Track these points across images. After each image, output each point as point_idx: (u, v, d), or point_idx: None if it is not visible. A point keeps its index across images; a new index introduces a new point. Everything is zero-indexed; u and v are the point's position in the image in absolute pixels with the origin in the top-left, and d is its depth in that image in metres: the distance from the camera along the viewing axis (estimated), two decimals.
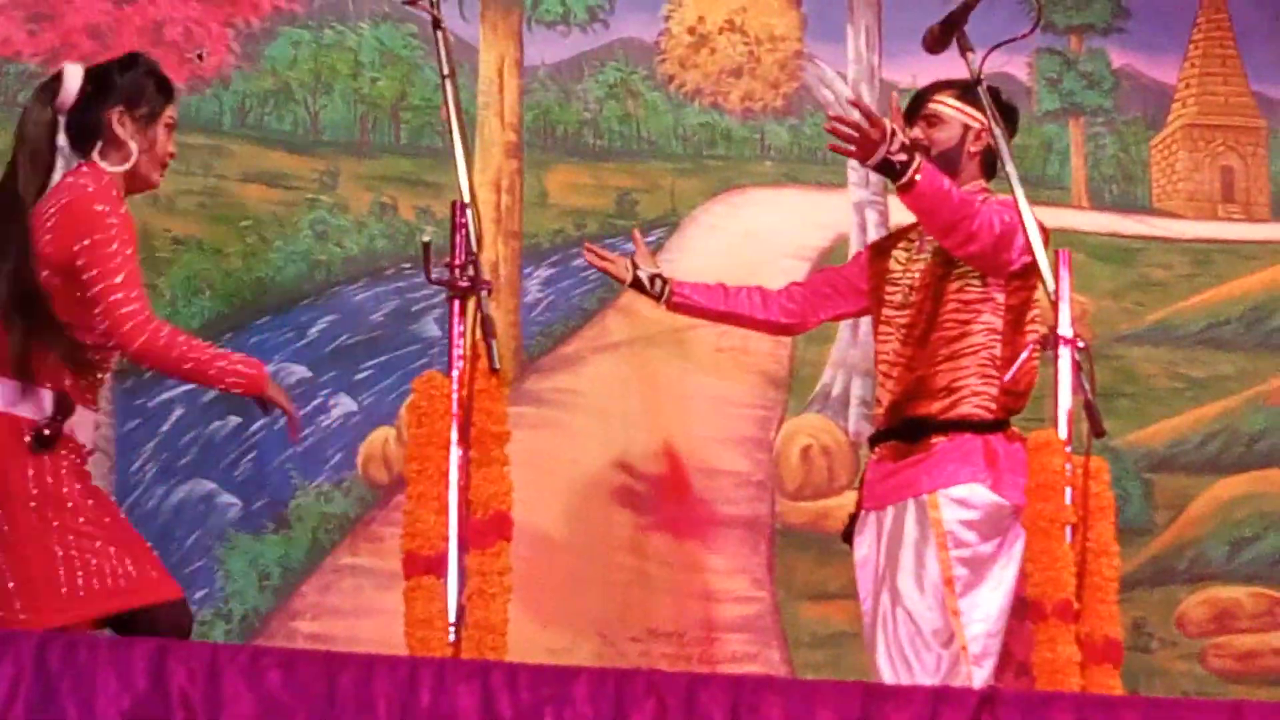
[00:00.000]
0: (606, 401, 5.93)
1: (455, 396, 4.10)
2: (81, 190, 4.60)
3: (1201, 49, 6.88)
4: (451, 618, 4.02)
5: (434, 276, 4.22)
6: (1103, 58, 6.77)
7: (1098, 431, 4.56)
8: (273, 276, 5.95)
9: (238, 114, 6.01)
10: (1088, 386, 4.58)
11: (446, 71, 4.39)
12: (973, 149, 5.15)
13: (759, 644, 6.11)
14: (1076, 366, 4.58)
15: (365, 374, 5.91)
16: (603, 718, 3.55)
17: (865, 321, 6.37)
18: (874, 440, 5.16)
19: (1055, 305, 4.60)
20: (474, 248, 4.16)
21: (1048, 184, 6.62)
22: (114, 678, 3.35)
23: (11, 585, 4.43)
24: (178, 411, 5.80)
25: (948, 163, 5.09)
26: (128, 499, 5.68)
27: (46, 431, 4.51)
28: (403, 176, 5.84)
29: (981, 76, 4.85)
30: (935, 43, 4.92)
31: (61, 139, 4.76)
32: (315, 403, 5.87)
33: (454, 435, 4.09)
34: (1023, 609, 4.74)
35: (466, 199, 4.22)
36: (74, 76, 4.76)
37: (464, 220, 4.19)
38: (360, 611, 5.78)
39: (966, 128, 5.14)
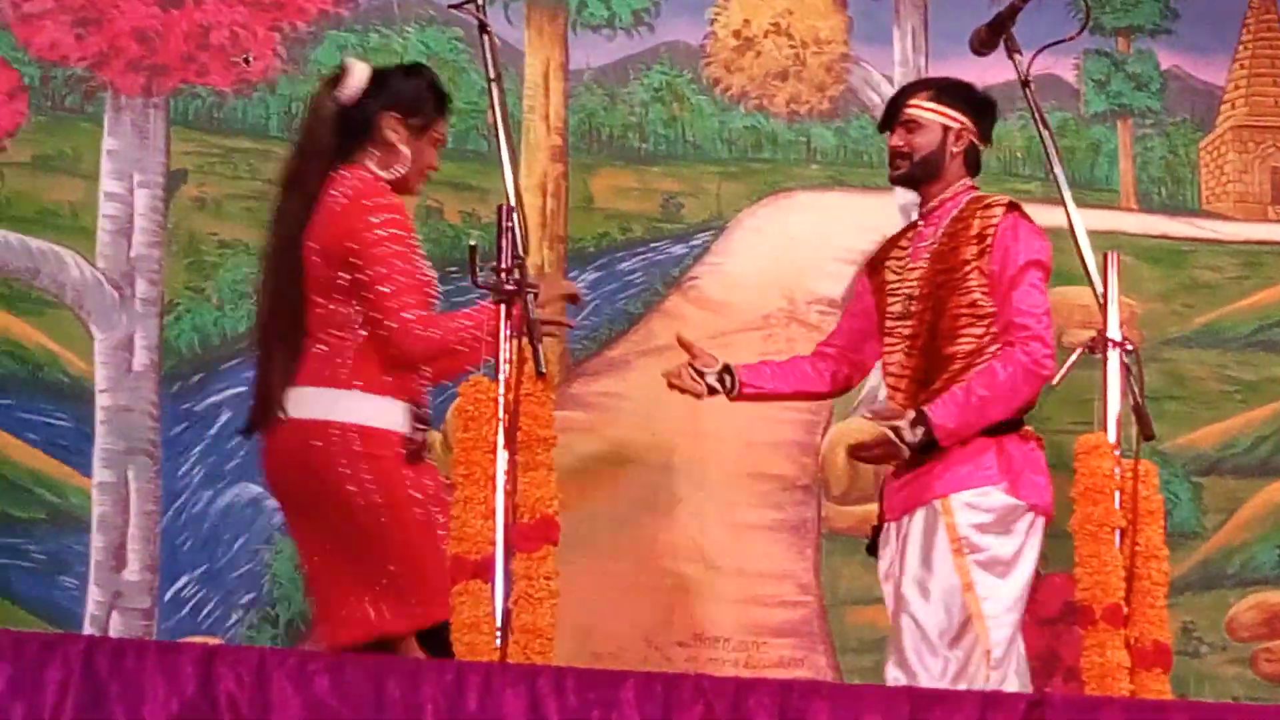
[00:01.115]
0: (651, 406, 5.92)
1: (501, 401, 4.09)
2: (356, 189, 4.61)
3: (1250, 50, 6.84)
4: (498, 622, 4.01)
5: (480, 280, 4.21)
6: (1151, 59, 6.73)
7: (1147, 435, 4.54)
8: None
9: (284, 118, 6.02)
10: (1136, 389, 4.56)
11: (493, 75, 4.38)
12: (955, 149, 5.12)
13: (805, 649, 6.09)
14: (1125, 370, 4.57)
15: None
16: None
17: None
18: None
19: (1104, 308, 4.58)
20: (520, 251, 4.16)
21: (1096, 186, 6.59)
22: (162, 682, 3.36)
23: (404, 586, 4.48)
24: (225, 415, 5.81)
25: (931, 166, 5.10)
26: (175, 503, 5.71)
27: (418, 444, 4.61)
28: (448, 180, 5.83)
29: (1029, 78, 4.83)
30: (982, 44, 4.91)
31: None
32: None
33: (500, 439, 4.08)
34: (1071, 613, 4.72)
35: (512, 203, 4.22)
36: (359, 71, 4.79)
37: (510, 224, 4.18)
38: None
39: (946, 129, 5.12)
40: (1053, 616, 6.26)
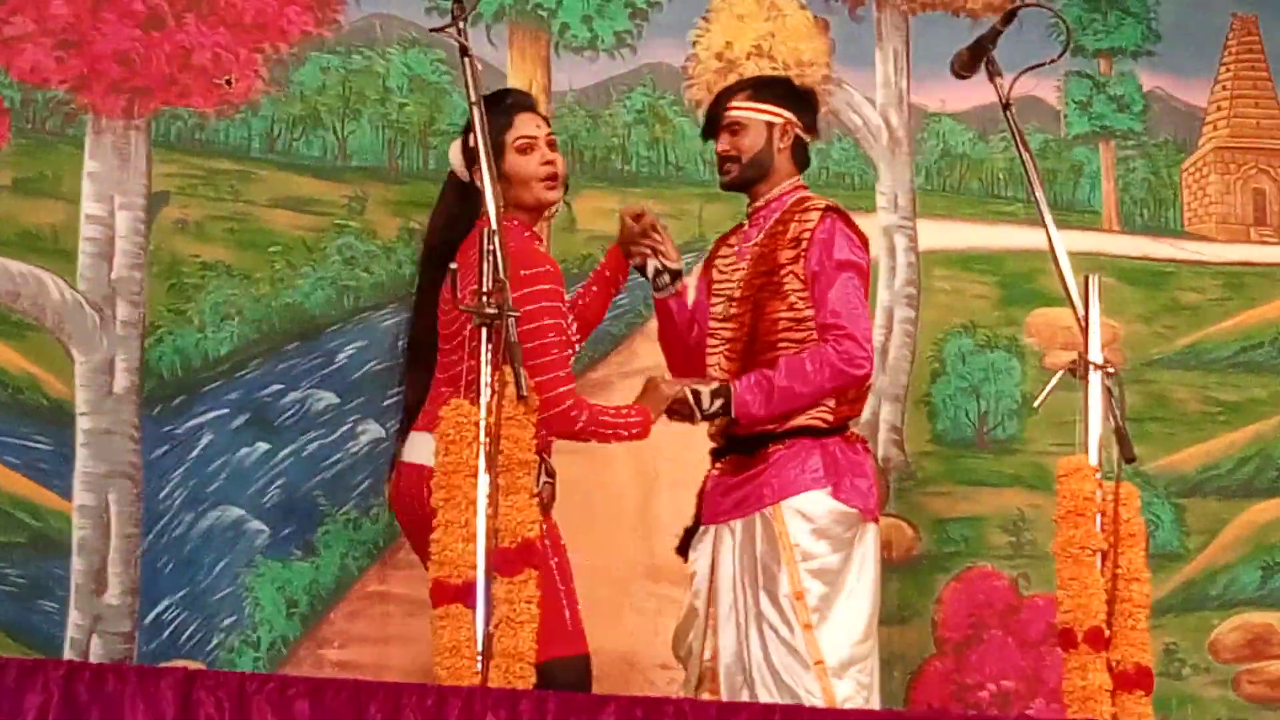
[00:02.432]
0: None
1: (483, 424, 4.09)
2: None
3: (1232, 71, 6.86)
4: (479, 646, 4.00)
5: (461, 304, 4.21)
6: (1132, 81, 6.75)
7: (1128, 457, 4.55)
8: (301, 302, 5.95)
9: (266, 139, 6.02)
10: (1118, 411, 4.57)
11: (474, 99, 4.39)
12: (781, 145, 5.15)
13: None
14: (1107, 392, 4.57)
15: (394, 400, 5.89)
16: None
17: (894, 347, 6.39)
18: (714, 456, 5.13)
19: (1085, 330, 4.59)
20: (501, 274, 4.15)
21: (1078, 208, 6.61)
22: (142, 707, 3.35)
23: None
24: (206, 438, 5.80)
25: (760, 167, 5.13)
26: (155, 525, 5.69)
27: (545, 497, 4.78)
28: (431, 202, 5.81)
29: (1010, 101, 4.84)
30: (964, 67, 4.94)
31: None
32: (343, 429, 5.87)
33: (481, 463, 4.07)
34: (1053, 635, 4.72)
35: (494, 225, 4.21)
36: (454, 150, 5.10)
37: (491, 247, 4.18)
38: (388, 639, 5.78)
39: (770, 125, 5.14)
40: (1036, 638, 6.27)
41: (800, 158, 5.19)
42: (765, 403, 4.93)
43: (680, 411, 5.00)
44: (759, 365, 5.00)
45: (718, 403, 4.95)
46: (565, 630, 4.79)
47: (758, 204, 5.17)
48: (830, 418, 4.98)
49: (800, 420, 4.95)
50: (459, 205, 5.04)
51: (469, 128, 4.87)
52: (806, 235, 5.00)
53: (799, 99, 5.20)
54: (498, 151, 4.87)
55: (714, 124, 5.20)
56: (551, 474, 4.96)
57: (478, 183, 4.78)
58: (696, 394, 4.95)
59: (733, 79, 6.34)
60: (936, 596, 6.33)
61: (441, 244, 5.05)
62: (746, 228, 5.19)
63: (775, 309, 5.00)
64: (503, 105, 5.03)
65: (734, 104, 5.17)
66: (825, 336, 4.93)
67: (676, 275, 5.27)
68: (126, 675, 3.38)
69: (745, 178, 5.16)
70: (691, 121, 6.37)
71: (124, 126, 5.88)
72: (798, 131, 5.16)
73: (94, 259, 5.80)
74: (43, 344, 5.70)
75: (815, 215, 5.03)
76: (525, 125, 5.07)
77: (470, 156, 4.89)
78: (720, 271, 5.22)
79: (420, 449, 4.74)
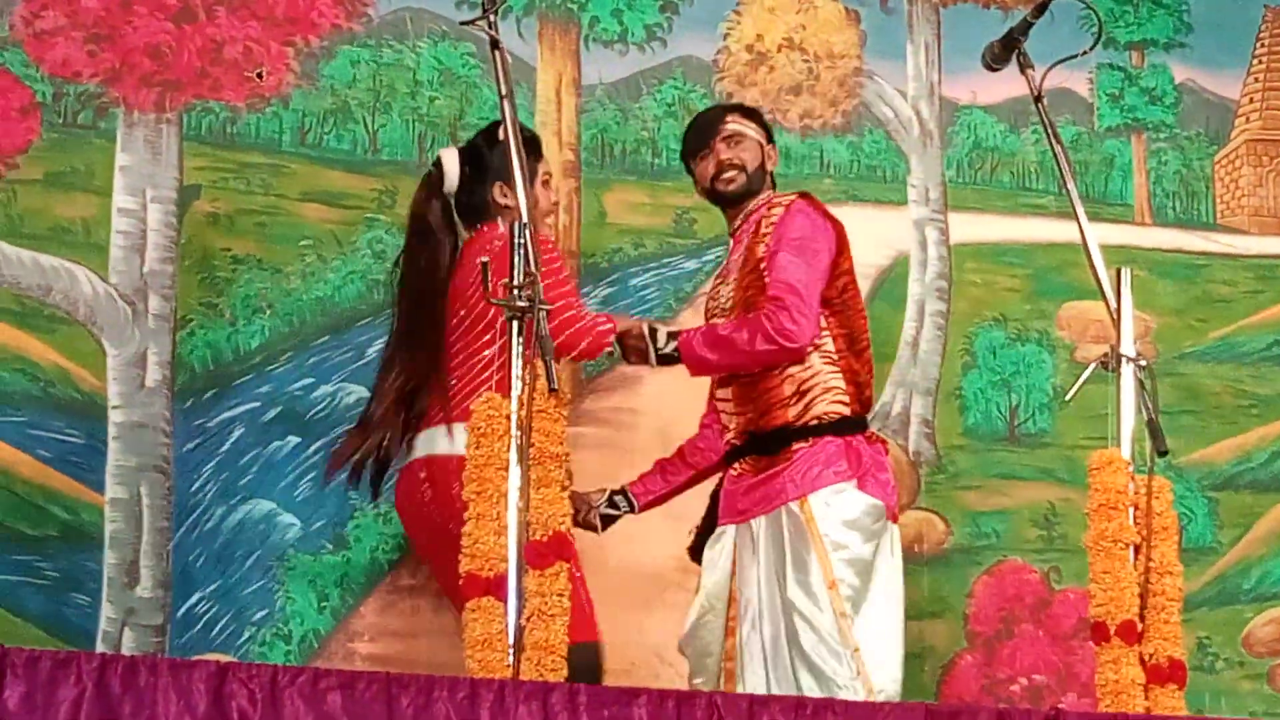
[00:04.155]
0: (665, 421, 5.90)
1: (514, 417, 4.09)
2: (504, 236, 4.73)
3: (1265, 63, 6.83)
4: (511, 639, 4.00)
5: (492, 296, 4.22)
6: (1165, 73, 6.73)
7: (1161, 450, 4.54)
8: (331, 295, 5.96)
9: (297, 133, 6.02)
10: (1150, 405, 4.55)
11: (504, 92, 4.39)
12: (768, 166, 5.23)
13: None
14: (1139, 385, 4.56)
15: None
16: None
17: (925, 340, 6.38)
18: (730, 457, 5.11)
19: (1117, 323, 4.58)
20: (532, 267, 4.15)
21: (1110, 201, 6.59)
22: (175, 699, 3.35)
23: None
24: (237, 431, 5.80)
25: (757, 180, 5.18)
26: (187, 519, 5.70)
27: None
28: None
29: (1042, 93, 4.83)
30: (995, 59, 4.93)
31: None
32: None
33: (513, 456, 4.08)
34: (1086, 629, 4.71)
35: (524, 219, 4.21)
36: (452, 161, 5.17)
37: (522, 240, 4.18)
38: (419, 632, 5.78)
39: (761, 145, 5.23)
40: (1067, 632, 6.26)
41: (773, 182, 5.27)
42: (709, 347, 4.96)
43: (636, 348, 5.02)
44: (764, 372, 5.01)
45: (672, 344, 4.97)
46: (582, 615, 4.79)
47: (737, 223, 5.20)
48: (846, 407, 4.97)
49: (818, 410, 4.95)
50: (444, 229, 5.16)
51: (483, 137, 4.95)
52: (771, 227, 5.02)
53: (767, 128, 5.32)
54: (529, 182, 4.94)
55: (706, 137, 5.21)
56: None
57: (464, 198, 5.04)
58: (653, 330, 5.00)
59: (763, 72, 6.35)
60: (968, 590, 6.31)
61: (425, 246, 5.17)
62: (732, 246, 5.21)
63: (759, 299, 5.00)
64: (530, 140, 5.12)
65: (730, 119, 5.24)
66: (763, 307, 4.93)
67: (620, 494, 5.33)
68: (159, 668, 3.39)
69: (749, 188, 5.18)
70: None
71: (155, 120, 5.89)
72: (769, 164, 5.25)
73: (125, 252, 5.81)
74: (75, 337, 5.72)
75: (780, 208, 5.06)
76: (544, 163, 5.25)
77: (472, 161, 5.03)
78: (714, 299, 5.25)
79: (423, 446, 4.88)
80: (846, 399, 4.98)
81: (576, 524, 5.12)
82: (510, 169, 4.59)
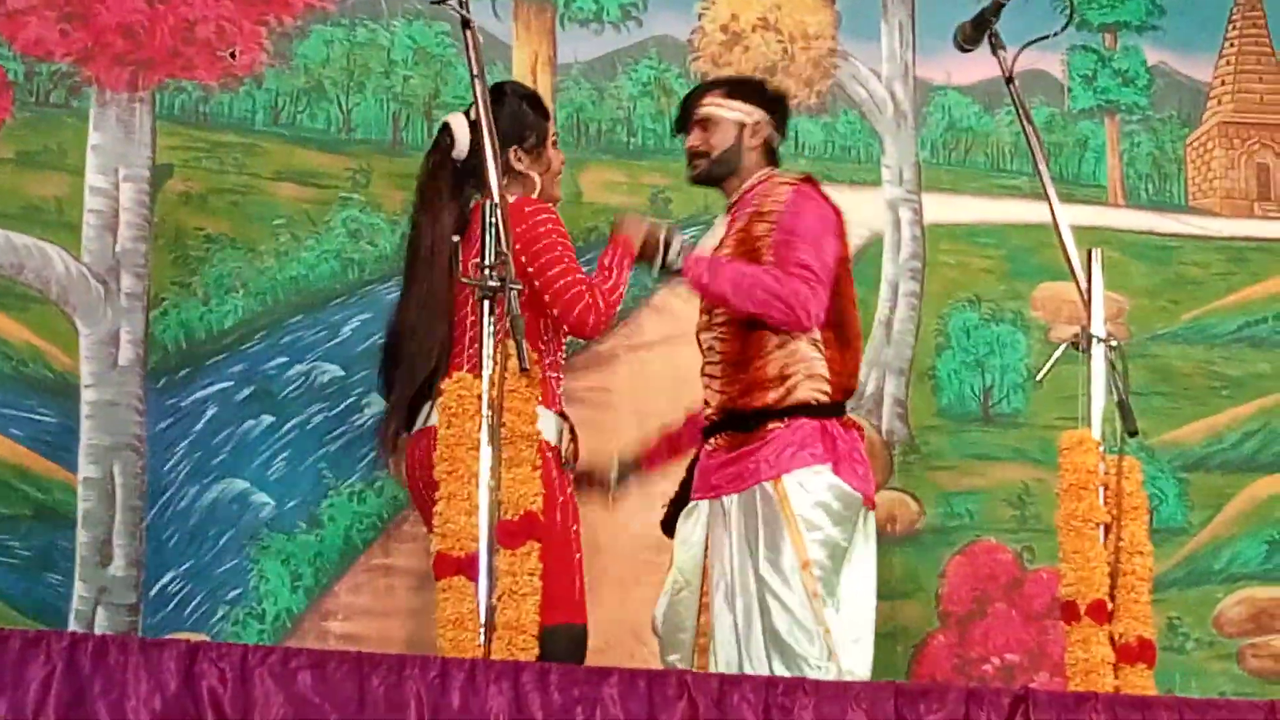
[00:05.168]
0: (641, 400, 5.92)
1: (485, 397, 4.09)
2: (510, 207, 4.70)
3: (1237, 46, 6.85)
4: (482, 618, 4.00)
5: (464, 276, 4.22)
6: (1137, 55, 6.74)
7: (1131, 430, 4.55)
8: (305, 275, 5.95)
9: (270, 112, 6.01)
10: (1121, 385, 4.56)
11: (476, 71, 4.38)
12: (752, 143, 5.14)
13: None
14: (1110, 365, 4.57)
15: None
16: (634, 718, 3.55)
17: (899, 320, 6.38)
18: (707, 432, 5.09)
19: (1088, 304, 4.58)
20: (504, 247, 4.15)
21: (1082, 182, 6.60)
22: (145, 679, 3.35)
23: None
24: (211, 410, 5.80)
25: (728, 163, 5.12)
26: (160, 498, 5.69)
27: (568, 451, 4.94)
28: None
29: (1015, 74, 4.83)
30: (967, 40, 4.93)
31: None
32: (348, 402, 5.87)
33: (484, 436, 4.08)
34: (1056, 608, 4.72)
35: (496, 198, 4.21)
36: (461, 127, 5.07)
37: (494, 219, 4.17)
38: (392, 612, 5.79)
39: (741, 125, 5.14)
40: (1040, 612, 6.28)
41: (772, 154, 5.18)
42: (711, 283, 4.95)
43: (647, 253, 5.04)
44: (751, 341, 4.98)
45: (681, 259, 4.98)
46: (574, 598, 4.82)
47: (734, 198, 5.16)
48: (827, 395, 4.97)
49: (800, 396, 4.94)
50: (452, 193, 5.10)
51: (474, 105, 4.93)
52: (778, 207, 4.99)
53: (771, 101, 5.21)
54: (541, 143, 5.11)
55: (686, 119, 5.20)
56: (574, 432, 5.00)
57: (474, 162, 4.91)
58: (669, 241, 5.03)
59: (738, 52, 6.34)
60: (941, 570, 6.33)
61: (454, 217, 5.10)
62: (728, 221, 5.17)
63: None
64: (538, 104, 5.17)
65: (706, 100, 5.18)
66: (788, 274, 4.90)
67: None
68: (129, 647, 3.38)
69: (713, 174, 5.15)
70: None
71: (128, 99, 5.87)
72: (769, 131, 5.15)
73: (98, 231, 5.80)
74: (47, 317, 5.71)
75: (787, 189, 5.02)
76: (550, 122, 5.23)
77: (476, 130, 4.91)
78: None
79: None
80: (829, 388, 4.97)
81: (586, 486, 5.20)
82: (522, 131, 4.61)
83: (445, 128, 5.15)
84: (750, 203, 5.08)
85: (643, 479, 5.37)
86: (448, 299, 4.96)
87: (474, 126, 4.93)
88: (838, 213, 5.05)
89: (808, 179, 5.10)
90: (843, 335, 5.03)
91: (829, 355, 4.99)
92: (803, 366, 4.95)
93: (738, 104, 5.16)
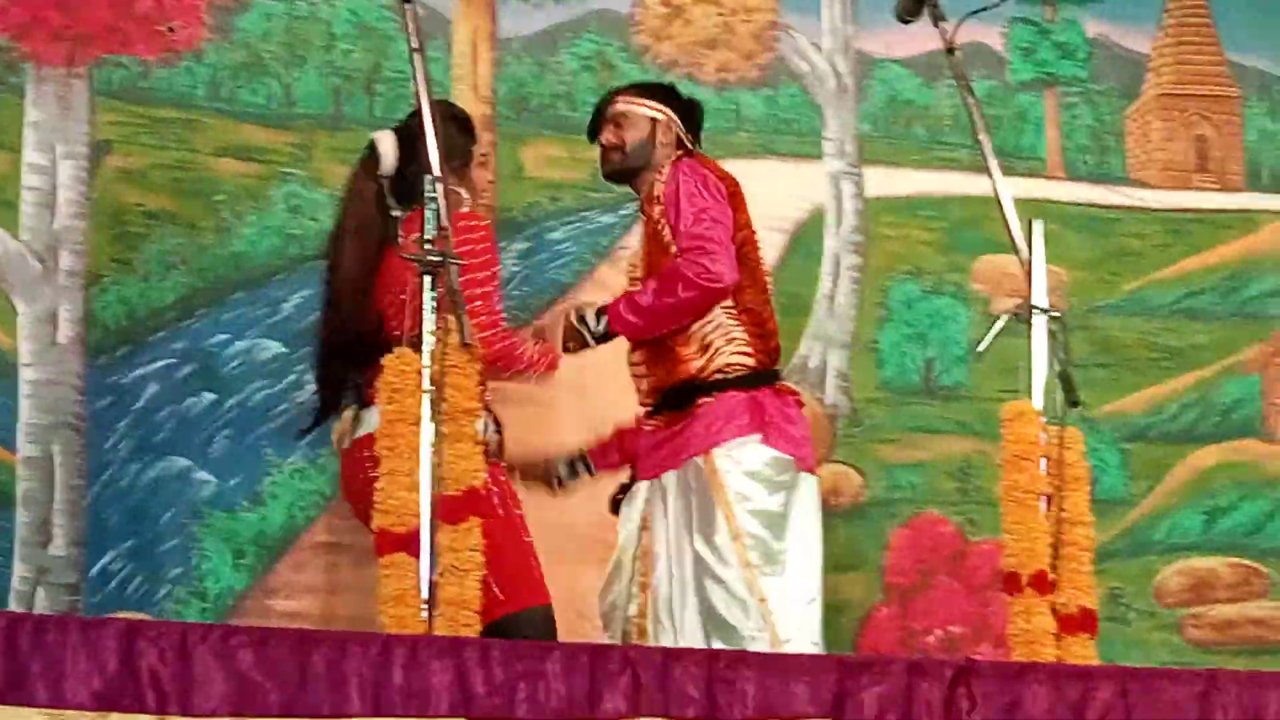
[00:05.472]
0: (583, 377, 5.90)
1: (427, 373, 4.08)
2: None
3: (1176, 18, 6.87)
4: (424, 595, 3.99)
5: (404, 252, 4.21)
6: (1077, 27, 6.75)
7: (1073, 401, 4.57)
8: (246, 251, 5.93)
9: (210, 87, 5.98)
10: (1063, 356, 4.58)
11: (415, 45, 4.36)
12: (664, 140, 5.16)
13: None
14: (1051, 336, 4.59)
15: None
16: (577, 693, 3.55)
17: (841, 294, 6.40)
18: (648, 415, 5.11)
19: (1028, 275, 4.60)
20: (444, 222, 4.14)
21: (1022, 155, 6.62)
22: (84, 658, 3.33)
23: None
24: (152, 388, 5.77)
25: (640, 157, 5.14)
26: (101, 476, 5.67)
27: (494, 444, 4.84)
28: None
29: (955, 45, 4.84)
30: (907, 12, 4.93)
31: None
32: (289, 379, 5.85)
33: (425, 411, 4.07)
34: (999, 580, 4.74)
35: (436, 173, 4.20)
36: (387, 144, 5.02)
37: (434, 194, 4.16)
38: (336, 588, 5.78)
39: (654, 121, 5.16)
40: (983, 584, 6.31)
41: (681, 148, 5.18)
42: (639, 319, 4.96)
43: (575, 338, 5.01)
44: (671, 335, 5.00)
45: (603, 320, 4.97)
46: (534, 580, 4.83)
47: (641, 196, 5.17)
48: (751, 359, 4.98)
49: (722, 361, 4.96)
50: (380, 213, 5.03)
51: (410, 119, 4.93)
52: (665, 187, 5.00)
53: (684, 106, 5.23)
54: (466, 165, 5.11)
55: (599, 121, 5.21)
56: (499, 425, 4.96)
57: (398, 181, 4.93)
58: (581, 316, 4.99)
59: (679, 25, 6.34)
60: (884, 543, 6.35)
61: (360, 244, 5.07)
62: (641, 218, 5.19)
63: (664, 263, 4.99)
64: (467, 123, 5.18)
65: (620, 99, 5.21)
66: (684, 256, 4.92)
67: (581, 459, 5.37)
68: (68, 626, 3.37)
69: (627, 166, 5.17)
70: (639, 69, 6.35)
71: (66, 75, 5.83)
72: (679, 133, 5.15)
73: (36, 209, 5.76)
74: None
75: (668, 167, 5.05)
76: (476, 142, 5.22)
77: (407, 144, 4.91)
78: (631, 265, 5.26)
79: (366, 424, 4.82)
80: (750, 350, 4.98)
81: (534, 478, 5.22)
82: (447, 153, 4.61)
83: (371, 145, 5.10)
84: (649, 193, 5.11)
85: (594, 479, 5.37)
86: (371, 313, 4.96)
87: (404, 137, 4.96)
88: (722, 176, 5.06)
89: (686, 153, 5.11)
90: (756, 299, 5.04)
91: (743, 319, 5.01)
92: (720, 333, 4.98)
93: (650, 101, 5.19)
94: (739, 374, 4.96)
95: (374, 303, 4.95)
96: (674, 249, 4.95)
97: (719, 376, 4.96)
